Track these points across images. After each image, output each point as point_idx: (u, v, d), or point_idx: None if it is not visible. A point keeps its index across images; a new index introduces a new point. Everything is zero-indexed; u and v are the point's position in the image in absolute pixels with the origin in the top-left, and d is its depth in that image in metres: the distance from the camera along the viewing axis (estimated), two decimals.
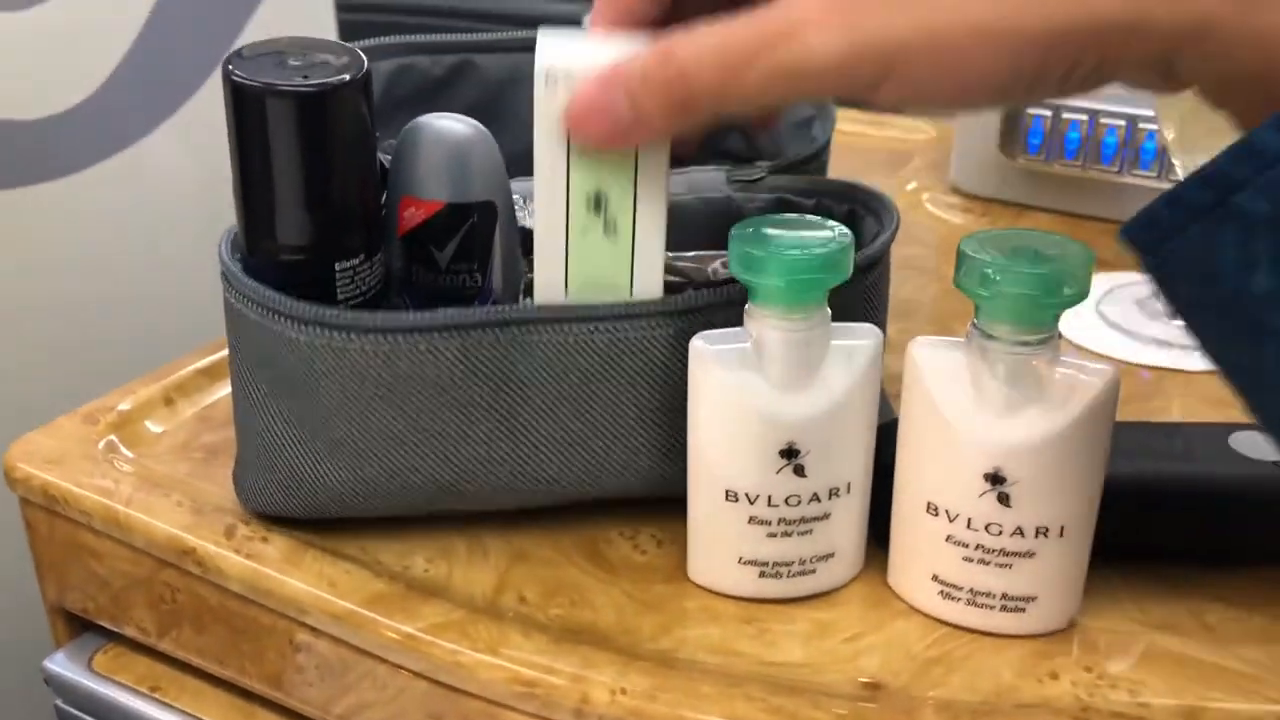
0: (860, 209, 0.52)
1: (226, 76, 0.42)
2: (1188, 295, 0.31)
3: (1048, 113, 0.72)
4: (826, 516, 0.43)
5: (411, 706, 0.44)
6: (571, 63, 0.39)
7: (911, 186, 0.81)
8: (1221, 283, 0.29)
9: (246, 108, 0.42)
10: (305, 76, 0.42)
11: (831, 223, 0.42)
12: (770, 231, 0.41)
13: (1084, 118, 0.71)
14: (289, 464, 0.45)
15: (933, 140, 0.89)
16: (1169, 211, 0.30)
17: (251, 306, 0.44)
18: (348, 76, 0.43)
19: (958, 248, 0.39)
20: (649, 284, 0.43)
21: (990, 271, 0.38)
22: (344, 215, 0.45)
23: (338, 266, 0.45)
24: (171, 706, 0.50)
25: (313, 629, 0.45)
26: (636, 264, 0.43)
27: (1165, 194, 0.30)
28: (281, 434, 0.45)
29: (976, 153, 0.77)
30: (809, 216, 0.43)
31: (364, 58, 0.44)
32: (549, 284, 0.43)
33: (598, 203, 0.42)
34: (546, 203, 0.42)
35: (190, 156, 0.87)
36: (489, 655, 0.41)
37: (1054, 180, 0.74)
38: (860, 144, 0.91)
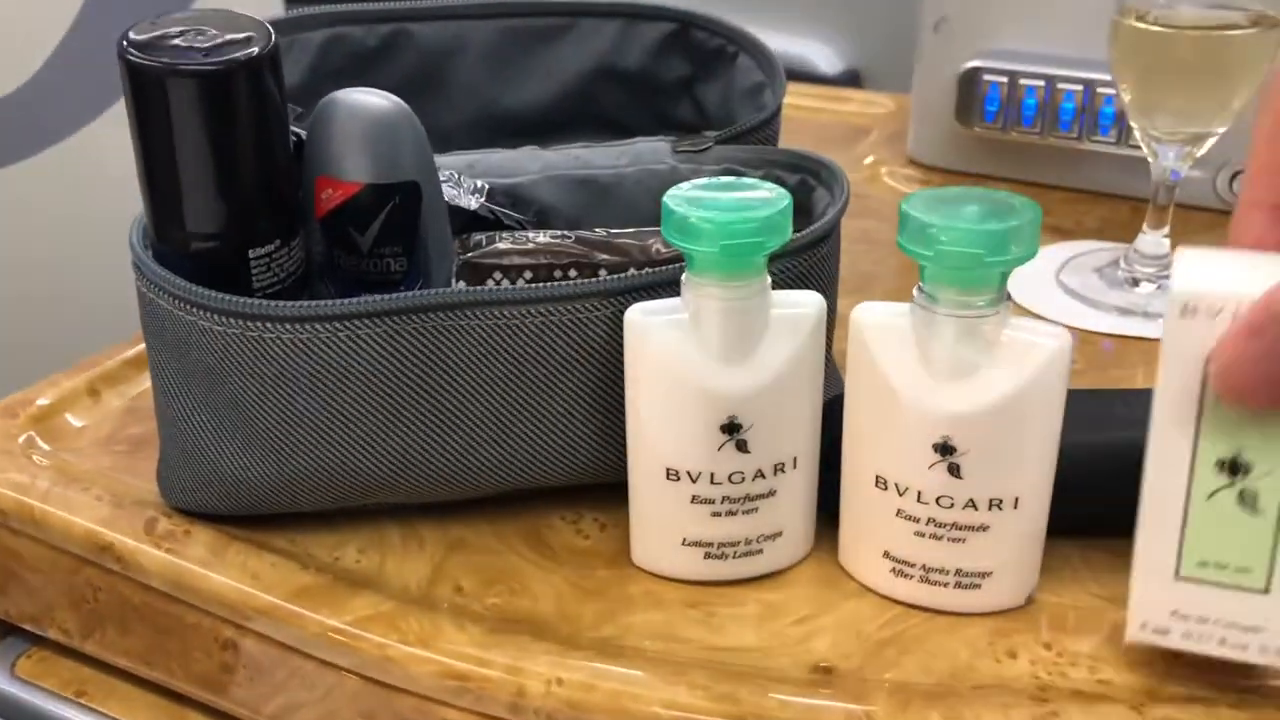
0: (811, 179, 0.50)
1: (121, 57, 0.40)
2: None
3: (1004, 79, 0.70)
4: (772, 494, 0.41)
5: (343, 705, 0.41)
6: (1219, 289, 0.32)
7: (869, 160, 0.79)
8: None
9: (145, 91, 0.40)
10: (206, 55, 0.40)
11: (768, 184, 0.40)
12: (705, 195, 0.39)
13: (1040, 84, 0.69)
14: (210, 459, 0.43)
15: (891, 114, 0.88)
16: None
17: (163, 296, 0.42)
18: (254, 51, 0.40)
19: (899, 207, 0.37)
20: None
21: (933, 231, 0.36)
22: (255, 200, 0.42)
23: (251, 254, 0.42)
24: (98, 712, 0.48)
25: (239, 626, 0.43)
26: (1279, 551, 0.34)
27: None
28: (201, 428, 0.43)
29: (933, 124, 0.75)
30: (745, 179, 0.41)
31: (271, 31, 0.41)
32: (1157, 558, 0.35)
33: (1235, 468, 0.34)
34: (1163, 457, 0.34)
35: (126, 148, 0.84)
36: (420, 649, 0.39)
37: (1012, 148, 0.72)
38: (817, 119, 0.89)
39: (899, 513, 0.40)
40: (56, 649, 0.50)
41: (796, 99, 0.95)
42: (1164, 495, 0.35)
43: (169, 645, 0.45)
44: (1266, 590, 0.34)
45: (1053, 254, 0.65)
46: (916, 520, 0.39)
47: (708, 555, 0.42)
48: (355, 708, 0.41)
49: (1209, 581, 0.35)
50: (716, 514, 0.41)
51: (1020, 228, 0.36)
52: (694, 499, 0.41)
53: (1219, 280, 0.33)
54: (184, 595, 0.43)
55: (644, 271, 0.41)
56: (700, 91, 0.60)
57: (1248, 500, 0.34)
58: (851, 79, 1.43)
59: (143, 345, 0.56)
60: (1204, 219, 0.68)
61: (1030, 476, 0.39)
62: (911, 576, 0.40)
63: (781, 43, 1.12)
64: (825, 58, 1.48)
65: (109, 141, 0.83)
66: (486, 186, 0.51)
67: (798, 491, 0.42)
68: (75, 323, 0.79)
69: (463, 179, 0.51)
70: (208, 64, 0.39)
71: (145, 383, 0.55)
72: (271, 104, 0.41)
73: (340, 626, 0.40)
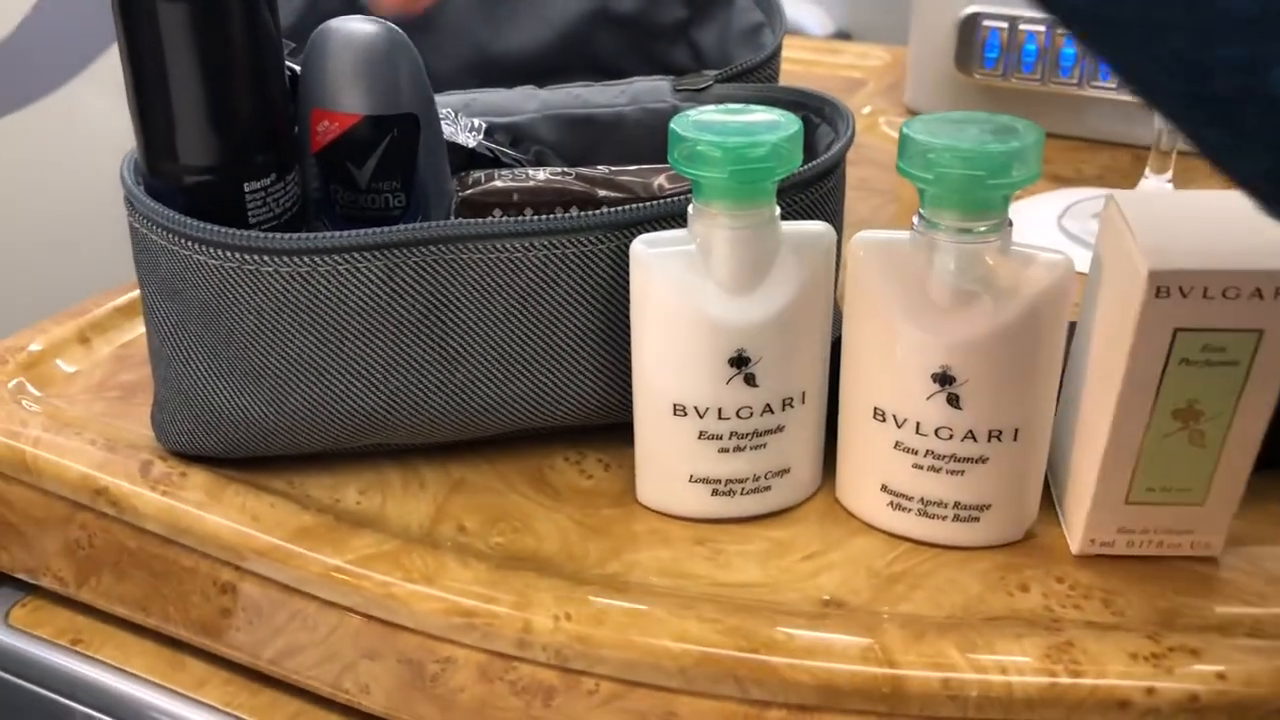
0: (813, 116, 0.49)
1: None
2: None
3: (1004, 24, 0.69)
4: (780, 429, 0.41)
5: (345, 646, 0.41)
6: (1190, 266, 0.34)
7: (867, 110, 0.79)
8: None
9: (136, 15, 0.39)
10: None
11: (778, 110, 0.39)
12: (713, 120, 0.38)
13: (1041, 29, 0.68)
14: (206, 398, 0.42)
15: (888, 65, 0.87)
16: None
17: (157, 231, 0.41)
18: None
19: (900, 131, 0.36)
20: (1226, 493, 0.38)
21: (933, 154, 0.35)
22: (250, 131, 0.41)
23: (247, 187, 0.41)
24: (95, 659, 0.47)
25: (237, 568, 0.42)
26: (1218, 473, 0.37)
27: None
28: (196, 367, 0.42)
29: (932, 71, 0.74)
30: (752, 105, 0.40)
31: None
32: (1112, 490, 0.38)
33: (1189, 415, 0.36)
34: (1127, 411, 0.36)
35: (112, 102, 0.83)
36: (424, 586, 0.39)
37: (1012, 95, 0.71)
38: (814, 73, 0.88)
39: (897, 445, 0.39)
40: (51, 598, 0.49)
41: (790, 52, 0.94)
42: (1123, 441, 0.37)
43: (165, 590, 0.44)
44: (1203, 503, 0.38)
45: (1055, 200, 0.64)
46: (915, 453, 0.39)
47: (715, 492, 0.41)
48: (358, 648, 0.41)
49: (1154, 502, 0.38)
50: (724, 450, 0.40)
51: (1022, 149, 0.35)
52: (701, 435, 0.40)
53: (1189, 256, 0.34)
54: (181, 538, 0.43)
55: (650, 203, 0.41)
56: (696, 35, 0.59)
57: (1195, 439, 0.37)
58: (842, 40, 1.42)
59: (132, 293, 0.55)
60: (1207, 165, 0.67)
61: (1031, 407, 0.38)
62: (909, 510, 0.40)
63: None
64: (816, 18, 1.46)
65: (92, 99, 0.82)
66: (485, 125, 0.50)
67: (806, 427, 0.41)
68: (61, 273, 0.78)
69: (460, 117, 0.50)
70: None
71: (135, 330, 0.54)
72: (265, 32, 0.40)
73: (342, 565, 0.40)
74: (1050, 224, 0.62)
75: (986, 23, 0.70)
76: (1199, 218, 0.36)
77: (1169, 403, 0.36)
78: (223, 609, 0.43)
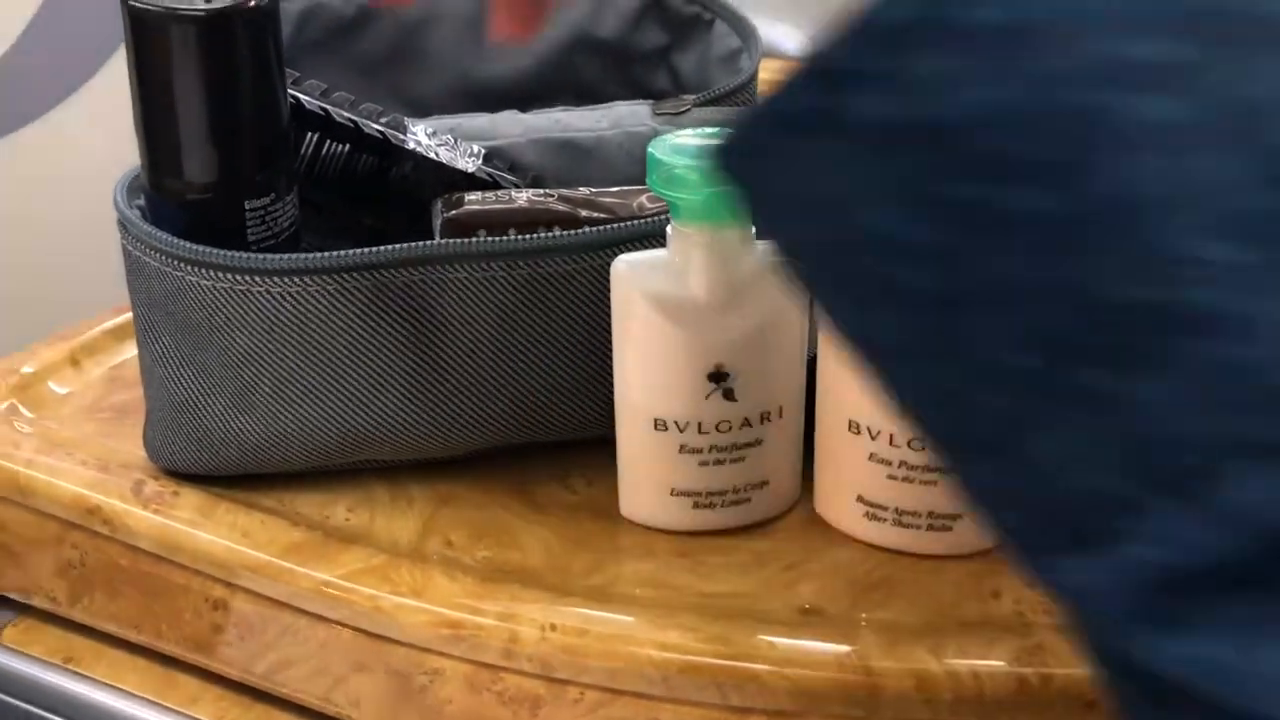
0: None
1: (123, 2, 0.40)
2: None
3: None
4: (759, 442, 0.42)
5: (335, 660, 0.42)
6: None
7: None
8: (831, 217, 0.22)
9: (147, 35, 0.40)
10: (208, 1, 0.40)
11: None
12: (690, 144, 0.39)
13: None
14: (197, 418, 0.43)
15: None
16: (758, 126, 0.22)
17: (150, 253, 0.42)
18: (253, 2, 0.40)
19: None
20: None
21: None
22: (252, 150, 0.42)
23: (248, 206, 0.43)
24: (87, 677, 0.48)
25: (228, 584, 0.43)
26: None
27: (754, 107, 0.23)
28: (188, 387, 0.43)
29: None
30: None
31: None
32: None
33: None
34: None
35: (103, 126, 0.84)
36: (412, 599, 0.40)
37: None
38: None
39: (872, 456, 0.40)
40: (43, 617, 0.49)
41: (766, 74, 0.96)
42: None
43: (157, 608, 0.45)
44: None
45: None
46: (889, 464, 0.40)
47: (696, 505, 0.42)
48: (348, 662, 0.41)
49: None
50: (704, 463, 0.41)
51: None
52: (682, 449, 0.41)
53: None
54: (173, 555, 0.43)
55: (630, 223, 0.42)
56: (677, 60, 0.60)
57: None
58: None
59: (123, 316, 0.56)
60: None
61: None
62: (885, 520, 0.41)
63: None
64: (796, 41, 1.49)
65: (84, 122, 0.83)
66: (484, 151, 0.51)
67: (785, 440, 0.42)
68: (52, 296, 0.79)
69: (459, 142, 0.51)
70: (210, 8, 0.40)
71: (127, 352, 0.54)
72: (270, 55, 0.42)
73: (332, 580, 0.40)
74: None
75: None
76: None
77: None
78: (214, 625, 0.44)
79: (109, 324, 0.56)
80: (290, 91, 0.45)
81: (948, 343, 0.21)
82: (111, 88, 0.83)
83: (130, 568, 0.45)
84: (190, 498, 0.44)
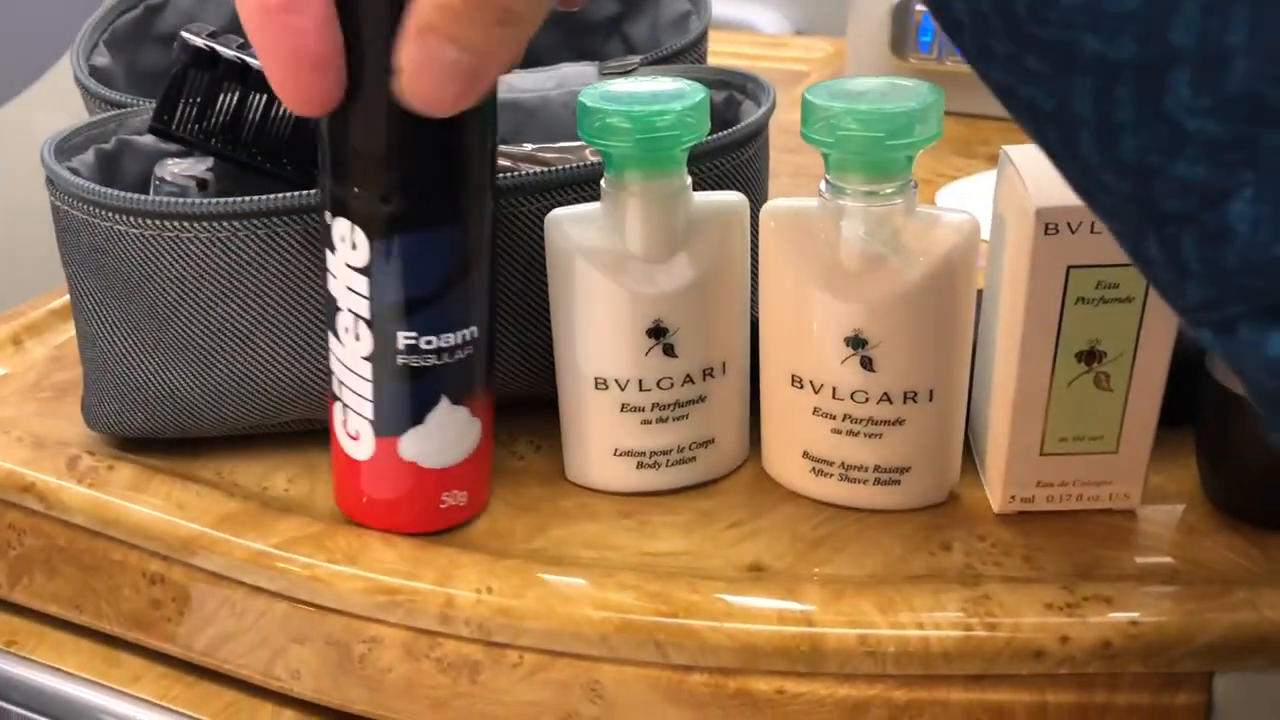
0: (738, 94, 0.50)
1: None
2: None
3: None
4: (702, 399, 0.41)
5: (274, 631, 0.41)
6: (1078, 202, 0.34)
7: None
8: None
9: None
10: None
11: (684, 80, 0.39)
12: (620, 91, 0.38)
13: None
14: (131, 374, 0.42)
15: (829, 56, 0.87)
16: None
17: (76, 204, 0.41)
18: None
19: (801, 98, 0.37)
20: (1138, 438, 0.38)
21: (834, 119, 0.36)
22: None
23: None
24: (30, 660, 0.47)
25: (165, 558, 0.42)
26: (1127, 417, 0.37)
27: None
28: (121, 343, 0.42)
29: (869, 58, 0.75)
30: (660, 76, 0.40)
31: None
32: (1025, 441, 0.38)
33: (1091, 356, 0.36)
34: (1030, 357, 0.37)
35: (55, 116, 0.83)
36: (347, 566, 0.39)
37: (948, 78, 0.71)
38: (758, 67, 0.88)
39: (815, 410, 0.39)
40: None
41: (738, 48, 0.95)
42: (1030, 389, 0.37)
43: (97, 585, 0.44)
44: (1116, 450, 0.38)
45: (992, 180, 0.64)
46: (833, 417, 0.39)
47: (640, 465, 0.41)
48: (287, 633, 0.40)
49: (1068, 452, 0.38)
50: (646, 422, 0.41)
51: (922, 110, 0.36)
52: (623, 407, 0.40)
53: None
54: (109, 530, 0.43)
55: (568, 168, 0.41)
56: (628, 28, 0.59)
57: (1101, 382, 0.37)
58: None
59: (67, 296, 0.55)
60: None
61: (945, 368, 0.38)
62: (831, 475, 0.40)
63: (726, 7, 1.11)
64: (771, 21, 1.47)
65: (34, 112, 0.82)
66: None
67: (729, 397, 0.41)
68: None
69: None
70: None
71: (71, 331, 0.54)
72: None
73: (266, 550, 0.40)
74: (988, 203, 0.62)
75: (919, 8, 0.70)
76: None
77: (1071, 345, 0.36)
78: (153, 600, 0.43)
79: (54, 304, 0.55)
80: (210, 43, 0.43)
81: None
82: (50, 84, 0.82)
83: (68, 545, 0.44)
84: (125, 471, 0.43)
